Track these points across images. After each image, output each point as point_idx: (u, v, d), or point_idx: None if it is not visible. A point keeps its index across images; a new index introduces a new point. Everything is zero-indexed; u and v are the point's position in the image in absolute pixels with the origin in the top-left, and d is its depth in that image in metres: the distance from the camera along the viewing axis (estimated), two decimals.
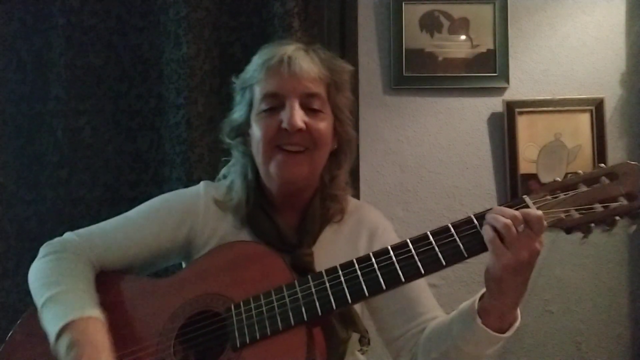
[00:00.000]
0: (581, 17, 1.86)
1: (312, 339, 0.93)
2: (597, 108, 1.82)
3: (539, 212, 0.88)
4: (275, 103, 1.07)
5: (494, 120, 1.86)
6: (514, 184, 1.82)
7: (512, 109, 1.83)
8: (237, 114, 1.15)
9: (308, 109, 1.07)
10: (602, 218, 0.89)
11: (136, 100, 1.76)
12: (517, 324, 0.95)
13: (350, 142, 1.17)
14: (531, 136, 1.83)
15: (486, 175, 1.86)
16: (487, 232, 0.89)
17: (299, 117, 1.05)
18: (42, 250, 1.09)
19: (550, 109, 1.83)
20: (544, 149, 1.83)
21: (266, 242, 1.08)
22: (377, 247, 1.13)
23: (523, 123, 1.83)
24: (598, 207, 0.90)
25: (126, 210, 1.17)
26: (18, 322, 1.07)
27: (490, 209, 0.92)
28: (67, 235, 1.12)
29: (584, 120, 1.83)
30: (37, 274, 1.05)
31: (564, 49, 1.86)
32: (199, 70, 1.69)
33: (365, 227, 1.17)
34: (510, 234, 0.87)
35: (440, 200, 1.86)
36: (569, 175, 0.95)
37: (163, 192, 1.20)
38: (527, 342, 1.83)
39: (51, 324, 0.96)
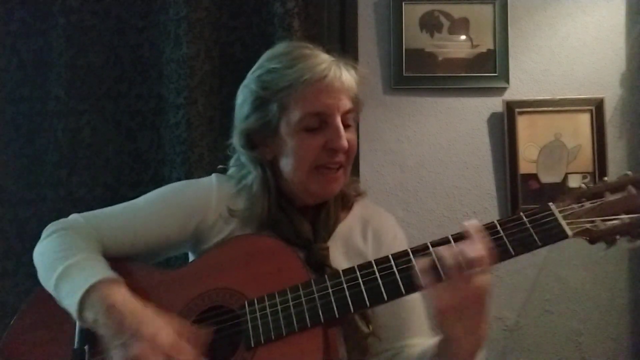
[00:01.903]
0: (581, 17, 1.85)
1: (328, 341, 0.91)
2: (597, 108, 1.82)
3: (478, 254, 0.84)
4: (318, 122, 1.04)
5: (494, 120, 1.86)
6: (514, 184, 1.82)
7: (512, 109, 1.83)
8: (257, 123, 1.08)
9: (344, 125, 1.06)
10: (628, 230, 0.87)
11: (136, 100, 1.76)
12: None
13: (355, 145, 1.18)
14: (531, 136, 1.83)
15: (486, 175, 1.86)
16: (423, 273, 0.86)
17: (345, 138, 1.04)
18: (47, 230, 1.07)
19: (550, 109, 1.83)
20: (544, 149, 1.83)
21: (281, 236, 1.06)
22: (383, 246, 1.13)
23: (523, 123, 1.83)
24: (624, 218, 0.87)
25: None
26: (24, 305, 1.06)
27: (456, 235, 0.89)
28: (73, 216, 1.10)
29: (584, 120, 1.83)
30: (46, 252, 1.03)
31: (564, 49, 1.86)
32: (199, 70, 1.69)
33: (371, 227, 1.16)
34: (449, 276, 0.84)
35: (440, 200, 1.86)
36: (596, 182, 0.93)
37: None
38: (527, 342, 1.83)
39: (70, 295, 0.93)
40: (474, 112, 1.87)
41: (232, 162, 1.18)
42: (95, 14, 1.74)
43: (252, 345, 0.92)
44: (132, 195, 1.70)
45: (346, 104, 1.05)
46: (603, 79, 1.85)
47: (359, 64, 1.80)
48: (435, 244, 0.91)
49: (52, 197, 1.71)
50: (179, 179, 1.67)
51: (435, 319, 0.86)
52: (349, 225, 1.15)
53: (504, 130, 1.83)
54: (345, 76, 1.06)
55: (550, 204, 0.91)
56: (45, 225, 1.18)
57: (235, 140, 1.12)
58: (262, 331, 0.92)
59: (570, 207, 0.90)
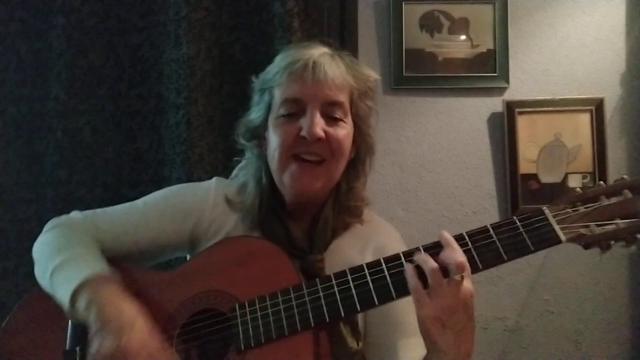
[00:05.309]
0: (581, 17, 1.85)
1: (318, 346, 0.91)
2: (597, 108, 1.82)
3: (459, 259, 0.84)
4: (296, 109, 1.04)
5: (494, 120, 1.86)
6: (514, 184, 1.82)
7: (512, 109, 1.83)
8: (254, 115, 1.12)
9: (329, 117, 1.04)
10: (623, 235, 0.86)
11: (136, 100, 1.76)
12: None
13: (369, 153, 1.14)
14: (531, 136, 1.83)
15: (486, 175, 1.86)
16: (410, 278, 0.86)
17: (320, 126, 1.01)
18: (48, 225, 1.09)
19: (550, 109, 1.83)
20: (544, 149, 1.83)
21: (275, 244, 1.05)
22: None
23: (523, 123, 1.83)
24: (619, 223, 0.86)
25: None
26: (16, 306, 1.05)
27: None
28: (74, 213, 1.11)
29: (584, 120, 1.83)
30: (45, 245, 1.05)
31: (564, 49, 1.86)
32: (199, 70, 1.69)
33: (372, 243, 1.12)
34: (434, 282, 0.83)
35: (440, 200, 1.86)
36: (589, 186, 0.91)
37: None
38: (527, 342, 1.83)
39: (63, 287, 0.94)
40: (474, 112, 1.87)
41: (235, 172, 1.19)
42: (95, 14, 1.74)
43: (243, 348, 0.92)
44: (132, 196, 1.71)
45: (330, 94, 1.03)
46: (603, 79, 1.85)
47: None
48: (427, 248, 0.90)
49: (52, 197, 1.71)
50: (179, 179, 1.67)
51: (421, 328, 0.85)
52: (346, 242, 1.11)
53: (504, 130, 1.83)
54: (333, 67, 1.04)
55: (544, 208, 0.90)
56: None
57: (240, 132, 1.15)
58: (252, 334, 0.92)
59: (564, 211, 0.89)
